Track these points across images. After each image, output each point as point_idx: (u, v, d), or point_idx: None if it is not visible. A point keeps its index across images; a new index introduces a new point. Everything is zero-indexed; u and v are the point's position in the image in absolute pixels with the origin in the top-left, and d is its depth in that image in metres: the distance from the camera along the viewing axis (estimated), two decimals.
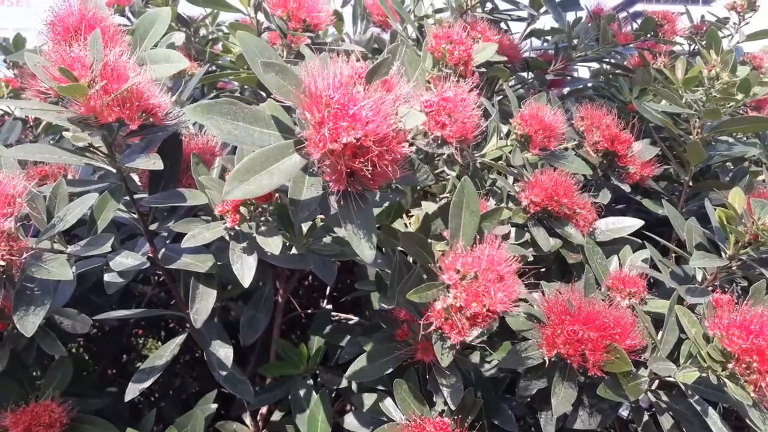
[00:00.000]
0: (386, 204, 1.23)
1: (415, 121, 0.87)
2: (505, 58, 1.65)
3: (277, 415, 1.66)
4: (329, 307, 1.73)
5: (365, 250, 0.90)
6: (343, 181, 0.87)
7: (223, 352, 1.30)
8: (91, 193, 0.97)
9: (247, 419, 1.61)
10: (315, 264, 1.19)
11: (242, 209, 1.05)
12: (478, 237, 1.03)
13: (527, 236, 1.41)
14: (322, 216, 1.24)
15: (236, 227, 1.06)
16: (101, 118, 1.04)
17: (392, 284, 1.11)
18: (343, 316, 1.77)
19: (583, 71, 2.65)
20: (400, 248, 1.14)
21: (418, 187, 1.50)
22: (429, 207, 1.26)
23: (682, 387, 1.19)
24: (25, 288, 0.90)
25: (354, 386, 1.47)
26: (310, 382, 1.57)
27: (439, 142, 1.00)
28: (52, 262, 0.89)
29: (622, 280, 1.35)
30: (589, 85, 2.30)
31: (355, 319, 1.79)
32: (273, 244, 1.01)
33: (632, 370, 1.12)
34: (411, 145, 0.87)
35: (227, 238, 1.09)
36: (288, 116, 1.02)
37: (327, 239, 1.18)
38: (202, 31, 2.29)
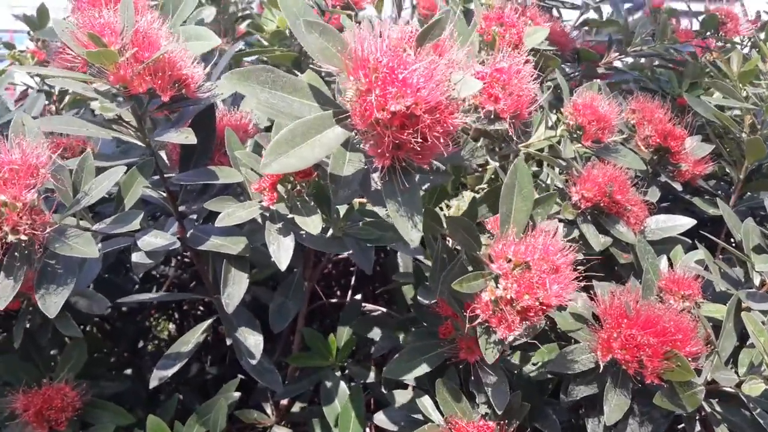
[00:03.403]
0: (426, 186, 1.16)
1: (470, 89, 0.80)
2: (554, 47, 1.56)
3: (297, 406, 1.60)
4: (358, 297, 1.65)
5: (410, 231, 0.83)
6: (388, 155, 0.80)
7: (253, 340, 1.23)
8: (119, 167, 0.91)
9: (269, 409, 1.54)
10: (352, 249, 1.12)
11: (279, 187, 0.98)
12: (530, 224, 0.95)
13: (575, 233, 1.32)
14: (361, 199, 1.19)
15: (272, 207, 0.99)
16: (131, 88, 0.98)
17: (434, 274, 1.04)
18: (370, 306, 1.70)
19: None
20: (442, 235, 1.07)
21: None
22: (468, 197, 1.18)
23: (744, 399, 1.10)
24: (48, 265, 0.84)
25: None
26: (339, 374, 1.51)
27: (492, 117, 0.92)
28: (77, 238, 0.83)
29: (676, 282, 1.26)
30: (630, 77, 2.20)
31: (382, 309, 1.72)
32: (312, 224, 0.94)
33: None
34: (466, 114, 0.79)
35: (260, 219, 1.02)
36: (327, 89, 0.96)
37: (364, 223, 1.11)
38: (232, 8, 2.24)
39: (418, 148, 0.78)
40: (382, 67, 0.75)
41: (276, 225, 1.02)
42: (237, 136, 1.10)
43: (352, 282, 1.95)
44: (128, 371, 1.84)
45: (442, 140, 0.78)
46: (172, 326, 2.39)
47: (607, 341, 1.05)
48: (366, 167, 0.92)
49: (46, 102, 1.75)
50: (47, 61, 1.95)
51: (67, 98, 1.79)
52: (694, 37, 1.91)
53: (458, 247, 1.08)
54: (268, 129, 1.42)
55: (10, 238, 0.78)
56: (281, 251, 0.98)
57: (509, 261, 0.90)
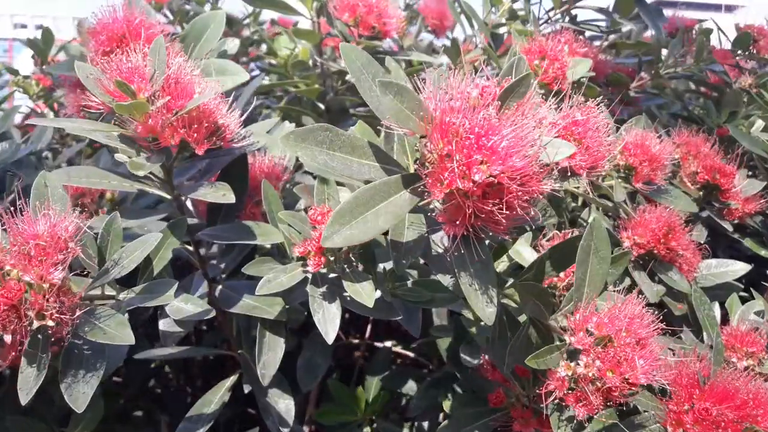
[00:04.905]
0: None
1: (562, 153, 0.71)
2: (593, 74, 1.48)
3: None
4: (388, 344, 1.55)
5: (485, 307, 0.74)
6: (463, 224, 0.71)
7: (284, 404, 1.13)
8: (152, 233, 0.81)
9: None
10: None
11: (327, 251, 0.89)
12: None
13: (626, 281, 1.23)
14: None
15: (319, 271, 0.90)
16: (162, 139, 0.88)
17: (494, 340, 0.94)
18: (396, 348, 1.60)
19: None
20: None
21: None
22: (524, 250, 1.09)
23: None
24: (74, 347, 0.74)
25: None
26: (368, 430, 1.41)
27: (568, 173, 0.83)
28: (108, 319, 0.72)
29: (738, 337, 1.16)
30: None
31: (410, 355, 1.62)
32: (364, 293, 0.85)
33: None
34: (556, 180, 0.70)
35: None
36: (379, 139, 0.87)
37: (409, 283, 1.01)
38: (245, 32, 2.15)
39: (501, 218, 0.69)
40: (465, 131, 0.66)
41: (320, 289, 0.92)
42: (273, 187, 1.01)
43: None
44: (138, 413, 1.74)
45: (525, 208, 0.69)
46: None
47: (678, 414, 0.96)
48: (426, 231, 0.83)
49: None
50: (53, 87, 1.85)
51: None
52: (731, 57, 1.83)
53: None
54: (298, 169, 1.33)
55: (36, 324, 0.68)
56: (328, 322, 0.89)
57: (590, 334, 0.81)
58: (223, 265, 1.14)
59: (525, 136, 0.66)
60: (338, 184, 1.02)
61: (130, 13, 1.08)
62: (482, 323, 1.06)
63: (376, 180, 0.80)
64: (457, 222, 0.70)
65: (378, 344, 1.67)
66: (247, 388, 1.23)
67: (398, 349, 1.55)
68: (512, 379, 1.03)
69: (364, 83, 0.74)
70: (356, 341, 1.79)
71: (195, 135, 0.88)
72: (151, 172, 0.98)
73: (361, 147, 0.77)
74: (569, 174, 0.83)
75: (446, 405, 1.11)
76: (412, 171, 0.82)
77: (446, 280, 0.91)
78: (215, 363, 1.90)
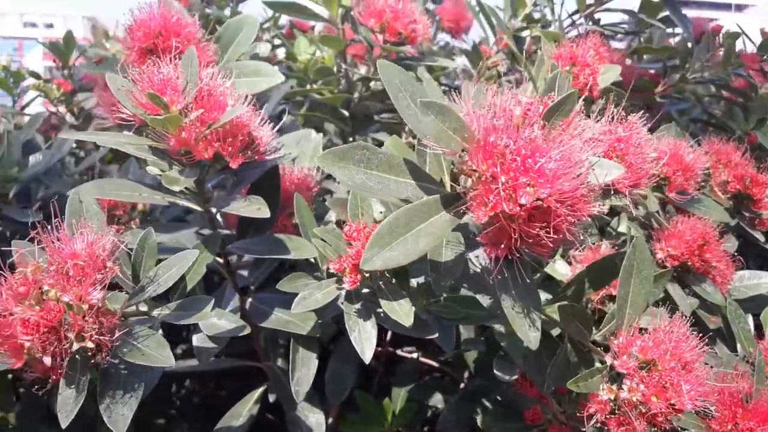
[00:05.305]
0: None
1: (612, 175, 0.69)
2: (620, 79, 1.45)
3: None
4: (415, 355, 1.53)
5: (528, 331, 0.72)
6: (507, 247, 0.69)
7: (314, 418, 1.13)
8: (189, 250, 0.80)
9: None
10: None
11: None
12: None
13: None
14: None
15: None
16: (196, 153, 0.87)
17: (529, 361, 0.93)
18: (422, 358, 1.58)
19: None
20: None
21: None
22: (558, 264, 1.07)
23: None
24: (111, 367, 0.73)
25: None
26: None
27: (611, 192, 0.81)
28: (146, 339, 0.71)
29: None
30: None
31: (434, 364, 1.60)
32: (402, 312, 0.83)
33: None
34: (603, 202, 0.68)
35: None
36: (412, 153, 0.86)
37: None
38: (266, 36, 2.14)
39: (547, 242, 0.67)
40: (511, 153, 0.64)
41: (354, 306, 0.91)
42: (305, 200, 0.99)
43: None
44: (161, 421, 1.73)
45: (573, 231, 0.68)
46: None
47: None
48: (464, 250, 0.82)
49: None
50: (74, 90, 1.85)
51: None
52: (760, 61, 1.79)
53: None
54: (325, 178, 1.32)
55: (76, 346, 0.67)
56: (364, 341, 0.87)
57: (635, 357, 0.79)
58: (252, 277, 1.13)
59: (573, 157, 0.64)
60: None
61: (167, 11, 1.07)
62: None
63: (413, 198, 0.79)
64: (501, 245, 0.69)
65: (401, 353, 1.65)
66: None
67: (425, 359, 1.53)
68: (549, 396, 1.01)
69: (402, 101, 0.73)
70: (378, 349, 1.78)
71: (230, 148, 0.87)
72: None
73: (398, 165, 0.76)
74: (612, 192, 0.81)
75: (480, 420, 1.09)
76: (448, 189, 0.81)
77: (484, 299, 0.90)
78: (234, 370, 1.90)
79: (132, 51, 1.09)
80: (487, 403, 1.24)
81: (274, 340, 1.27)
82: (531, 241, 0.68)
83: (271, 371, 1.22)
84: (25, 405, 1.30)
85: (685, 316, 0.83)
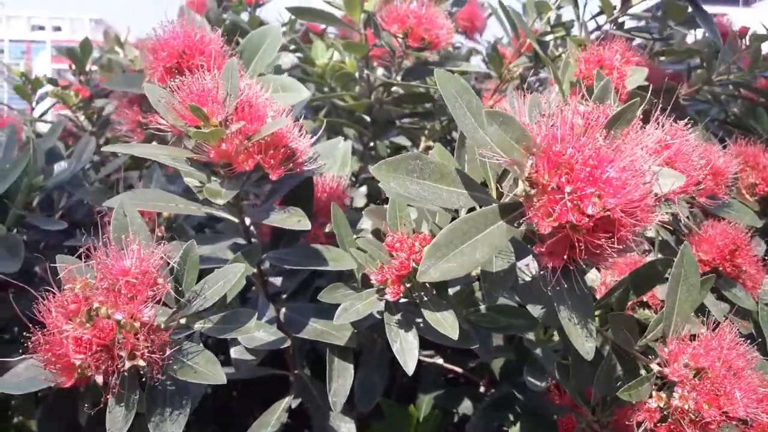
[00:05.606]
0: None
1: (674, 183, 0.68)
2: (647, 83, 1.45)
3: None
4: (440, 361, 1.52)
5: (584, 342, 0.72)
6: (568, 257, 0.68)
7: (346, 428, 1.11)
8: (235, 264, 0.78)
9: None
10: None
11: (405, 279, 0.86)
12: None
13: None
14: None
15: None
16: (236, 165, 0.86)
17: (563, 369, 0.92)
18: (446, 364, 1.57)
19: None
20: None
21: None
22: (591, 273, 1.07)
23: None
24: (158, 383, 0.72)
25: None
26: None
27: (662, 200, 0.80)
28: (196, 356, 0.70)
29: None
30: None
31: (458, 370, 1.59)
32: (447, 324, 0.82)
33: None
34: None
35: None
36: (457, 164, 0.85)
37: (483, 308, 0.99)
38: (283, 40, 2.12)
39: (612, 252, 0.66)
40: (577, 162, 0.63)
41: (395, 317, 0.90)
42: (341, 209, 0.98)
43: None
44: None
45: (636, 241, 0.67)
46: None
47: None
48: (515, 259, 0.81)
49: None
50: (92, 96, 1.83)
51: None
52: None
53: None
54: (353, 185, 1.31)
55: (128, 365, 0.66)
56: (407, 353, 0.86)
57: (687, 366, 0.78)
58: (284, 286, 1.12)
59: (638, 166, 0.63)
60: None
61: (190, 29, 1.06)
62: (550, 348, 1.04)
63: (463, 207, 0.78)
64: (562, 255, 0.68)
65: (421, 357, 1.64)
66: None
67: (450, 366, 1.52)
68: (583, 404, 1.00)
69: (458, 110, 0.72)
70: None
71: (271, 161, 0.85)
72: None
73: (449, 174, 0.75)
74: (663, 200, 0.81)
75: (510, 428, 1.08)
76: (494, 195, 0.80)
77: (536, 310, 0.88)
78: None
79: (156, 71, 1.07)
80: (517, 411, 1.23)
81: (300, 349, 1.25)
82: (593, 251, 0.67)
83: (298, 380, 1.20)
84: (46, 411, 1.29)
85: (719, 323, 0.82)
